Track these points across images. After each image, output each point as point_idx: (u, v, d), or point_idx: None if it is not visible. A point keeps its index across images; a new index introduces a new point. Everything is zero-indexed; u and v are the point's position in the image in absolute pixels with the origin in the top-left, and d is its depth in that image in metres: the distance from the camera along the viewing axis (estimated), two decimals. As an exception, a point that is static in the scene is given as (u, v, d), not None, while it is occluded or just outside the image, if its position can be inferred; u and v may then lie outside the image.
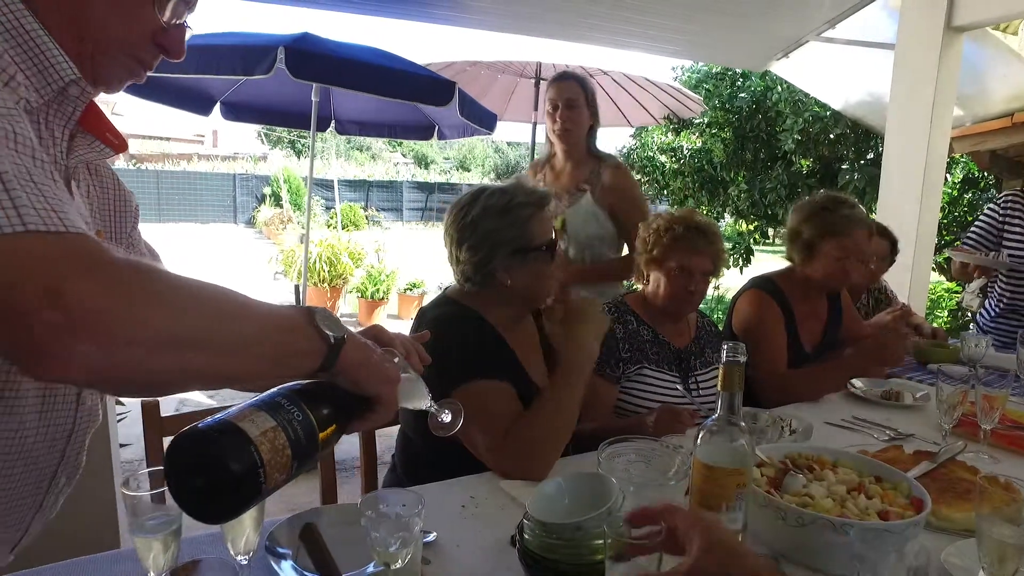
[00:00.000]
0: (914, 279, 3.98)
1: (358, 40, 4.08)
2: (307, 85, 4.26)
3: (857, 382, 2.18)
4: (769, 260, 9.23)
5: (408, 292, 8.54)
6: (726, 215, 8.90)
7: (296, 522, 1.20)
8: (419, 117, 5.07)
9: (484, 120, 4.42)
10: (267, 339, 0.70)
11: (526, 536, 0.98)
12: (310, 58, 3.39)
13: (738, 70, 8.20)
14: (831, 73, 5.31)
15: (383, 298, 8.20)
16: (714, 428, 1.00)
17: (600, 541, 0.94)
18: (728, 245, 8.26)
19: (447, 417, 1.01)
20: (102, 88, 0.87)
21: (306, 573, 1.05)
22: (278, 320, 0.72)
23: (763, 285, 2.33)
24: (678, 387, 1.89)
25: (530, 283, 1.56)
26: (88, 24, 0.79)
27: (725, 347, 0.98)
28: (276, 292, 9.21)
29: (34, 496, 0.92)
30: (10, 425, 0.78)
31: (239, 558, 0.98)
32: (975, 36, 4.14)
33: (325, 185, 18.97)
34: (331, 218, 16.19)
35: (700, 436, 1.01)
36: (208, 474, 0.65)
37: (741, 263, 8.18)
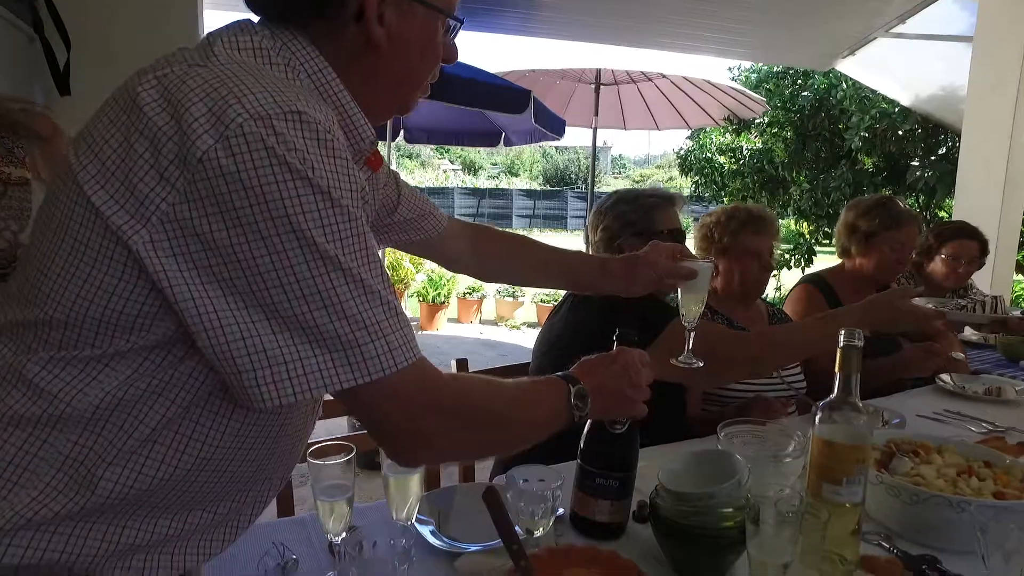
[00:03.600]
0: (995, 279, 3.88)
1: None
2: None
3: (946, 377, 2.19)
4: (831, 260, 8.99)
5: (468, 296, 8.71)
6: (788, 214, 8.74)
7: (433, 498, 1.33)
8: (486, 124, 5.22)
9: (555, 126, 4.53)
10: (541, 428, 0.92)
11: (660, 505, 1.07)
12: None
13: (800, 68, 8.08)
14: (900, 69, 5.21)
15: (444, 302, 8.39)
16: (832, 407, 1.07)
17: (730, 509, 1.03)
18: (788, 246, 8.13)
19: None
20: (406, 113, 0.98)
21: (444, 539, 1.17)
22: (549, 411, 0.93)
23: (813, 281, 2.52)
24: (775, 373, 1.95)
25: None
26: (409, 73, 0.90)
27: (844, 332, 1.06)
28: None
29: (285, 477, 1.04)
30: (282, 434, 0.88)
31: (401, 523, 1.10)
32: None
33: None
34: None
35: (819, 415, 1.08)
36: None
37: (803, 263, 8.04)
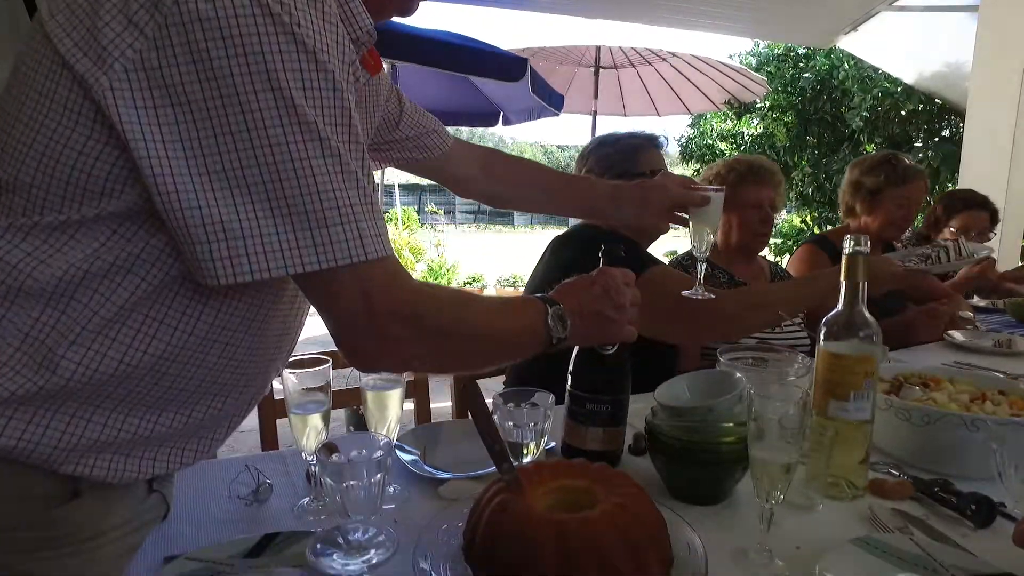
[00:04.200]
0: (1002, 254, 3.81)
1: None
2: (377, 75, 4.40)
3: (956, 333, 2.14)
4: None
5: (468, 286, 8.66)
6: (789, 200, 8.67)
7: (419, 432, 1.27)
8: (484, 103, 5.16)
9: (553, 100, 4.47)
10: (513, 344, 0.87)
11: (656, 424, 1.01)
12: (386, 36, 3.49)
13: (801, 50, 8.00)
14: (904, 44, 5.14)
15: (444, 291, 8.33)
16: (838, 318, 1.01)
17: (730, 424, 0.96)
18: (781, 241, 8.06)
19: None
20: (408, 14, 0.93)
21: (427, 467, 1.11)
22: (523, 329, 0.87)
23: (816, 241, 2.47)
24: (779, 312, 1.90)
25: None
26: None
27: (849, 238, 1.00)
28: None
29: (255, 400, 0.98)
30: (260, 338, 0.82)
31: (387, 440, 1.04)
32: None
33: (383, 191, 19.36)
34: (391, 218, 16.55)
35: (823, 329, 1.02)
36: None
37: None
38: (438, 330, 0.77)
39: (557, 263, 1.62)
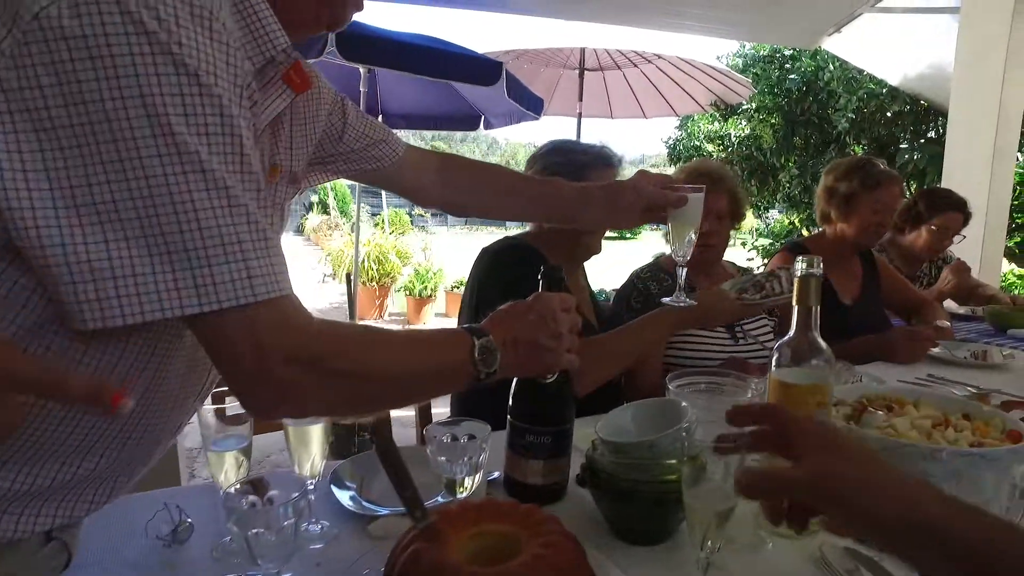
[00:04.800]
0: (985, 256, 3.78)
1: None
2: (354, 78, 4.35)
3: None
4: (824, 250, 8.89)
5: (455, 290, 8.58)
6: (777, 202, 8.65)
7: (361, 460, 1.21)
8: (465, 107, 5.10)
9: (531, 104, 4.41)
10: (434, 382, 0.83)
11: (597, 460, 0.95)
12: (359, 41, 3.44)
13: (787, 52, 7.97)
14: (888, 46, 5.11)
15: (431, 296, 8.26)
16: (790, 345, 0.95)
17: (673, 461, 0.91)
18: (770, 242, 8.03)
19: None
20: (338, 29, 0.87)
21: (366, 503, 1.06)
22: (443, 367, 0.81)
23: (792, 248, 2.42)
24: (737, 332, 1.84)
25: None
26: None
27: (800, 260, 0.94)
28: (324, 295, 9.39)
29: (166, 442, 0.92)
30: (159, 380, 0.77)
31: (307, 482, 0.98)
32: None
33: (372, 192, 19.27)
34: (379, 222, 16.49)
35: (776, 355, 0.96)
36: None
37: (795, 252, 7.95)
38: (343, 373, 0.71)
39: (475, 273, 1.59)
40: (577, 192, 1.28)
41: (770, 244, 8.71)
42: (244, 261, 0.62)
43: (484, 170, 1.36)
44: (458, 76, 3.74)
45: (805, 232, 8.34)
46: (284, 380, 0.66)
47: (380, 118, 5.46)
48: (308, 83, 0.87)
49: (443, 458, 0.96)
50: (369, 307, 8.25)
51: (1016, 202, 6.85)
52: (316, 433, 0.95)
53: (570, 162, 1.58)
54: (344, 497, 1.07)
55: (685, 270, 1.27)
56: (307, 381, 0.68)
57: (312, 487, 1.00)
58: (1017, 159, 5.95)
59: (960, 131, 3.78)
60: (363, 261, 8.26)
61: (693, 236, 1.23)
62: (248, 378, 0.66)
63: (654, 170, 1.50)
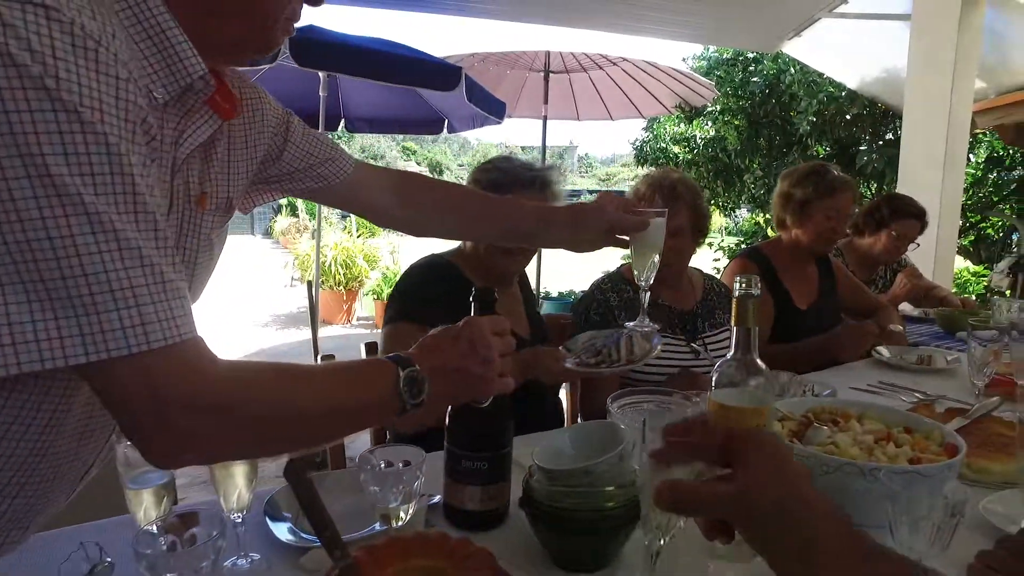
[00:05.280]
0: (939, 255, 3.86)
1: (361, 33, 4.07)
2: (314, 82, 4.27)
3: (883, 349, 2.12)
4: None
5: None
6: (742, 203, 8.76)
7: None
8: (428, 111, 5.05)
9: (493, 108, 4.38)
10: (354, 418, 0.80)
11: (533, 487, 0.93)
12: (315, 46, 3.37)
13: (749, 55, 8.07)
14: (845, 50, 5.20)
15: (399, 299, 8.19)
16: (730, 367, 0.94)
17: (612, 488, 0.89)
18: (738, 241, 8.13)
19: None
20: (268, 54, 0.84)
21: (303, 535, 1.02)
22: (366, 400, 0.78)
23: (748, 255, 2.45)
24: (692, 344, 1.83)
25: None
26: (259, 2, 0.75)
27: (739, 280, 0.93)
28: (292, 300, 9.25)
29: (69, 491, 0.88)
30: (52, 437, 0.73)
31: (233, 516, 0.94)
32: (997, 2, 4.02)
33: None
34: (347, 225, 16.31)
35: (715, 376, 0.95)
36: None
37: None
38: (252, 419, 0.68)
39: (407, 299, 1.58)
40: (540, 212, 1.27)
41: (737, 244, 8.81)
42: (137, 307, 0.58)
43: (444, 189, 1.34)
44: (417, 81, 3.69)
45: (771, 232, 8.47)
46: (185, 430, 0.63)
47: (342, 123, 5.38)
48: (235, 109, 0.83)
49: (375, 488, 0.93)
50: (337, 312, 8.14)
51: (968, 202, 7.04)
52: (240, 464, 0.90)
53: (507, 181, 1.58)
54: (280, 529, 1.03)
55: (648, 293, 1.26)
56: (211, 429, 0.65)
57: (240, 520, 0.95)
58: (969, 160, 6.12)
59: (913, 135, 3.86)
60: (330, 265, 8.15)
61: (656, 259, 1.22)
62: (146, 429, 0.63)
63: (625, 172, 1.48)
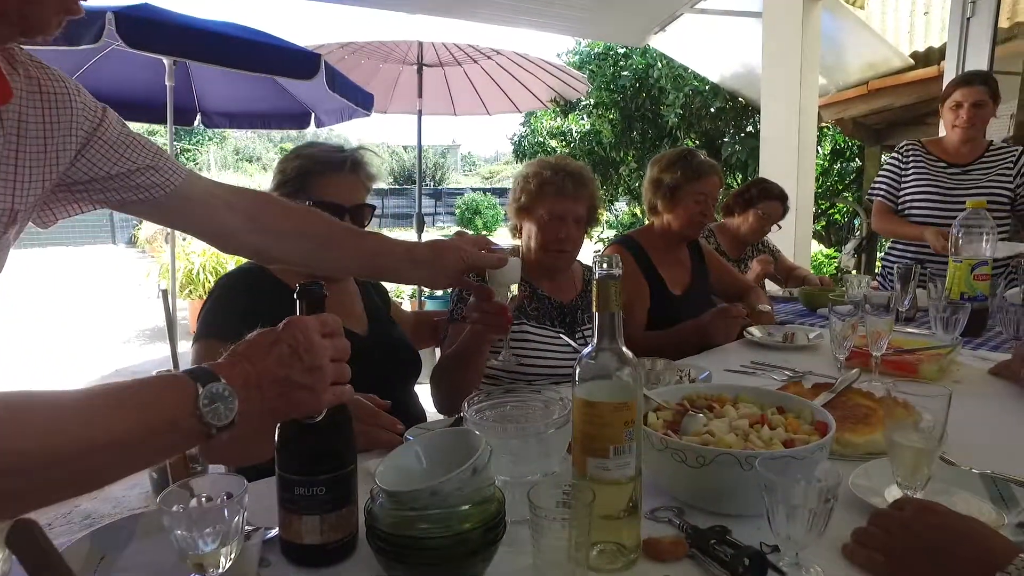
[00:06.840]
0: (798, 239, 4.10)
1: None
2: (159, 70, 3.85)
3: (754, 330, 2.17)
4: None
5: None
6: (619, 195, 9.01)
7: (102, 533, 0.95)
8: (293, 104, 4.73)
9: (359, 99, 4.15)
10: (133, 453, 0.65)
11: (376, 515, 0.79)
12: (150, 27, 2.99)
13: (620, 50, 8.30)
14: (707, 46, 5.43)
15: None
16: (592, 358, 0.84)
17: (467, 507, 0.76)
18: (614, 233, 8.36)
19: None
20: (40, 35, 0.72)
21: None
22: (149, 428, 0.64)
23: (622, 242, 2.45)
24: (562, 336, 1.77)
25: None
26: None
27: (598, 261, 0.83)
28: (157, 312, 8.50)
29: None
30: None
31: None
32: (830, 7, 4.33)
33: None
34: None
35: (578, 369, 0.85)
36: None
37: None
38: None
39: (213, 315, 1.39)
40: (405, 251, 1.22)
41: (616, 235, 9.06)
42: None
43: (303, 215, 1.19)
44: (273, 69, 3.39)
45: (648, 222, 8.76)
46: None
47: (198, 117, 4.92)
48: (8, 93, 0.70)
49: (180, 531, 0.75)
50: (205, 324, 7.54)
51: (819, 191, 7.63)
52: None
53: (296, 167, 1.48)
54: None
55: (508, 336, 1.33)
56: None
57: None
58: (817, 152, 6.62)
59: (770, 127, 4.07)
60: (197, 273, 7.56)
61: (514, 290, 1.32)
62: None
63: (508, 169, 1.42)
